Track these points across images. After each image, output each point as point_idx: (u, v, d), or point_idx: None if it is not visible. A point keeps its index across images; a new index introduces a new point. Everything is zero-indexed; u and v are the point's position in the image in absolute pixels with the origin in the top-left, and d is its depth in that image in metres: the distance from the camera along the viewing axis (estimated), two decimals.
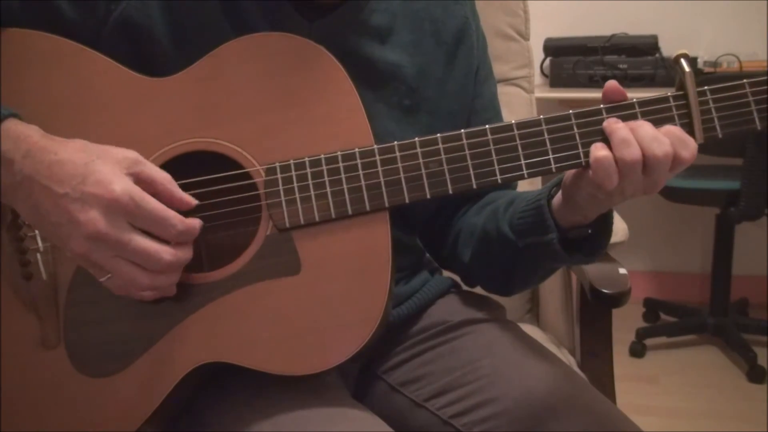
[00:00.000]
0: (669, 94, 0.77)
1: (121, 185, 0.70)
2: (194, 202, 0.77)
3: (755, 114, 0.77)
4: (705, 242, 3.12)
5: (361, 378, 0.97)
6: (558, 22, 3.04)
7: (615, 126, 0.75)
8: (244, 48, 0.82)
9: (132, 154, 0.74)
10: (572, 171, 0.80)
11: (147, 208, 0.71)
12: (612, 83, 0.78)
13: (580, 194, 0.79)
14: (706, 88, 0.77)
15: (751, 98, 0.77)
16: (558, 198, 0.84)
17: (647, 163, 0.74)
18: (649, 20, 3.01)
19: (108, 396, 0.80)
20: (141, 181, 0.73)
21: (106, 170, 0.71)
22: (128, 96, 0.82)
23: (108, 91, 0.82)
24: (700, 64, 2.90)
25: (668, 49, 2.88)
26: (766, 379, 2.56)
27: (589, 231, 0.84)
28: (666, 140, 0.74)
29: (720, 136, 0.77)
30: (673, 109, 0.77)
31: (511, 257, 0.90)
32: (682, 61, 0.77)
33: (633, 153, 0.73)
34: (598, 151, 0.75)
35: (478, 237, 0.94)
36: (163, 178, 0.74)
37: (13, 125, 0.74)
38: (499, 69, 1.07)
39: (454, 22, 0.97)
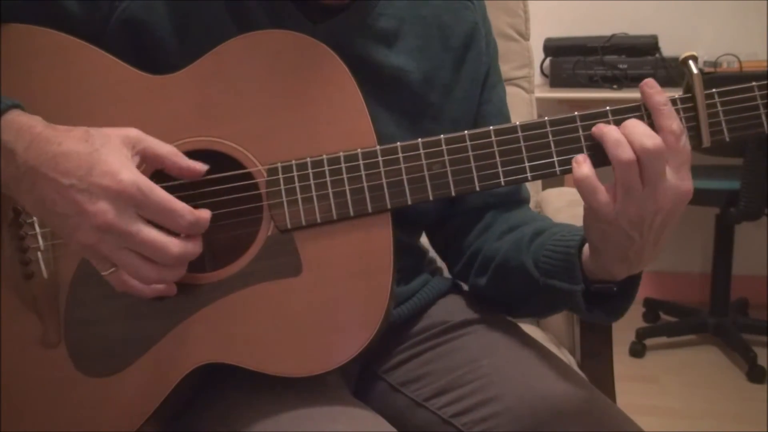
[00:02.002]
0: (676, 96, 0.76)
1: (129, 175, 0.70)
2: (203, 168, 0.76)
3: (763, 117, 0.75)
4: (705, 242, 3.12)
5: (361, 378, 0.97)
6: (558, 22, 3.05)
7: (604, 128, 0.74)
8: (246, 46, 0.81)
9: (133, 132, 0.73)
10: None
11: (155, 198, 0.71)
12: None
13: (592, 231, 0.77)
14: (714, 90, 0.75)
15: (759, 101, 0.75)
16: (587, 248, 0.81)
17: (639, 156, 0.71)
18: (649, 20, 3.02)
19: (108, 395, 0.79)
20: (146, 157, 0.73)
21: (112, 159, 0.71)
22: (130, 93, 0.82)
23: (110, 89, 0.82)
24: (700, 64, 2.89)
25: (668, 49, 2.88)
26: (766, 379, 2.56)
27: (614, 288, 0.82)
28: (656, 135, 0.72)
29: (727, 139, 0.76)
30: (680, 112, 0.76)
31: (528, 290, 0.89)
32: (690, 63, 0.76)
33: (625, 153, 0.72)
34: (578, 170, 0.73)
35: (498, 264, 0.93)
36: (168, 151, 0.74)
37: (15, 116, 0.74)
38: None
39: (463, 28, 0.96)
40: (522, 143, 0.77)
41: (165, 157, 0.74)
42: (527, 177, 0.78)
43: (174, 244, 0.72)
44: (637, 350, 2.77)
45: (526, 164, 0.77)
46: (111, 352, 0.80)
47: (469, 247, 0.99)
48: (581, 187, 0.73)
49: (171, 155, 0.75)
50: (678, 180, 0.73)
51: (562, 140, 0.77)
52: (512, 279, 0.90)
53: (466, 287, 1.05)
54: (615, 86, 2.80)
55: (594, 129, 0.75)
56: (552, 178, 0.79)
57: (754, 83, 0.76)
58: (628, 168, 0.71)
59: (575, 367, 1.19)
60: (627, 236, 0.74)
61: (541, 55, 2.97)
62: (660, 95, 0.74)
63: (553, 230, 0.88)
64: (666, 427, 2.28)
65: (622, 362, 2.63)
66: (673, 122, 0.73)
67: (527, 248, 0.88)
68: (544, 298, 0.88)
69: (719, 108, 0.76)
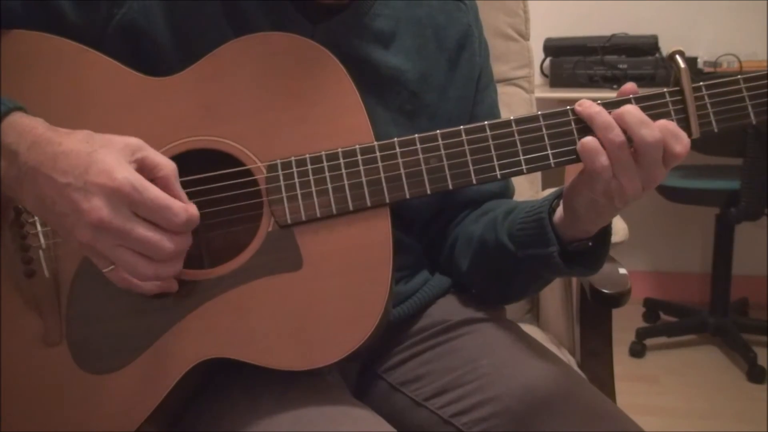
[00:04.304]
0: (665, 90, 0.78)
1: (124, 174, 0.70)
2: (187, 203, 0.75)
3: (750, 108, 0.78)
4: (705, 242, 3.12)
5: (361, 377, 0.97)
6: (558, 22, 3.05)
7: (592, 111, 0.76)
8: (245, 47, 0.82)
9: (135, 141, 0.74)
10: (571, 181, 0.80)
11: (149, 196, 0.71)
12: (631, 86, 0.79)
13: (580, 201, 0.79)
14: (701, 83, 0.78)
15: (745, 93, 0.78)
16: (559, 211, 0.84)
17: (637, 149, 0.74)
18: (649, 20, 3.02)
19: (110, 393, 0.80)
20: (144, 167, 0.73)
21: (109, 159, 0.71)
22: (130, 95, 0.82)
23: (110, 91, 0.82)
24: (700, 64, 2.90)
25: (668, 49, 2.86)
26: (766, 379, 2.56)
27: (590, 244, 0.84)
28: (654, 125, 0.74)
29: (716, 130, 0.78)
30: (669, 105, 0.78)
31: (509, 267, 0.90)
32: (677, 57, 0.78)
33: (617, 135, 0.74)
34: (584, 139, 0.76)
35: (476, 246, 0.95)
36: (167, 165, 0.74)
37: (18, 118, 0.75)
38: (499, 69, 1.07)
39: (457, 29, 0.98)
40: (516, 137, 0.79)
41: (162, 169, 0.73)
42: (522, 170, 0.79)
43: (168, 240, 0.72)
44: (637, 350, 2.77)
45: (521, 157, 0.79)
46: (112, 349, 0.80)
47: (449, 237, 1.01)
48: (585, 149, 0.75)
49: (168, 170, 0.74)
50: (664, 168, 0.76)
51: (555, 133, 0.78)
52: (492, 258, 0.92)
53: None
54: (615, 86, 2.80)
55: (578, 109, 0.77)
56: (547, 170, 0.80)
57: (739, 76, 0.78)
58: (620, 149, 0.74)
59: (575, 367, 1.19)
60: (613, 207, 0.78)
61: (541, 55, 2.97)
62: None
63: (523, 205, 0.90)
64: (666, 427, 2.28)
65: (622, 362, 2.63)
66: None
67: (501, 225, 0.90)
68: (527, 270, 0.89)
69: (707, 100, 0.78)
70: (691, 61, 2.87)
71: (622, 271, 1.17)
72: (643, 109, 0.77)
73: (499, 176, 0.79)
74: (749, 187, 2.47)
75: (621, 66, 2.83)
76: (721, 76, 0.79)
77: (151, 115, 0.82)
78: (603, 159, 0.74)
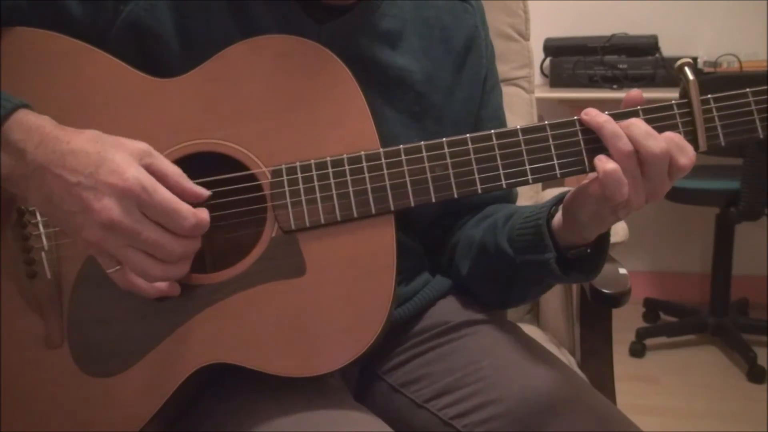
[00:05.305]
0: (673, 101, 0.78)
1: (135, 174, 0.70)
2: (207, 193, 0.76)
3: (758, 123, 0.78)
4: (705, 242, 3.12)
5: (361, 378, 0.97)
6: (558, 22, 3.05)
7: (600, 119, 0.76)
8: (251, 50, 0.82)
9: (143, 146, 0.74)
10: (574, 190, 0.80)
11: (159, 198, 0.71)
12: (636, 92, 0.79)
13: (584, 212, 0.79)
14: (709, 96, 0.78)
15: (753, 107, 0.78)
16: (558, 217, 0.84)
17: (644, 160, 0.74)
18: (649, 20, 3.02)
19: (111, 396, 0.80)
20: (152, 173, 0.73)
21: (119, 159, 0.71)
22: (135, 96, 0.82)
23: (115, 92, 0.82)
24: (700, 64, 2.90)
25: (668, 49, 2.88)
26: (766, 379, 2.56)
27: (588, 251, 0.84)
28: (660, 137, 0.74)
29: (723, 144, 0.78)
30: (677, 117, 0.77)
31: (508, 271, 0.90)
32: (686, 69, 0.78)
33: (626, 144, 0.74)
34: (606, 164, 0.75)
35: (476, 250, 0.95)
36: (174, 171, 0.74)
37: (24, 116, 0.75)
38: (499, 69, 1.07)
39: (464, 31, 0.98)
40: (523, 146, 0.78)
41: (170, 176, 0.74)
42: (528, 180, 0.79)
43: (177, 242, 0.73)
44: (637, 350, 2.77)
45: (527, 167, 0.78)
46: (114, 352, 0.80)
47: (451, 240, 1.01)
48: (610, 179, 0.74)
49: (176, 176, 0.74)
50: (669, 181, 0.77)
51: (562, 144, 0.78)
52: (491, 262, 0.92)
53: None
54: (615, 86, 2.80)
55: (587, 116, 0.77)
56: (553, 180, 0.80)
57: (748, 89, 0.78)
58: (628, 158, 0.74)
59: (575, 368, 1.19)
60: (615, 217, 0.78)
61: (541, 55, 2.97)
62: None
63: (522, 210, 0.90)
64: (666, 427, 2.28)
65: (622, 362, 2.63)
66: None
67: (501, 230, 0.90)
68: (526, 275, 0.89)
69: (715, 113, 0.78)
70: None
71: (622, 271, 1.17)
72: (651, 120, 0.76)
73: (504, 186, 0.79)
74: (749, 187, 2.48)
75: (621, 66, 2.83)
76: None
77: (155, 117, 0.81)
78: (626, 189, 0.74)
